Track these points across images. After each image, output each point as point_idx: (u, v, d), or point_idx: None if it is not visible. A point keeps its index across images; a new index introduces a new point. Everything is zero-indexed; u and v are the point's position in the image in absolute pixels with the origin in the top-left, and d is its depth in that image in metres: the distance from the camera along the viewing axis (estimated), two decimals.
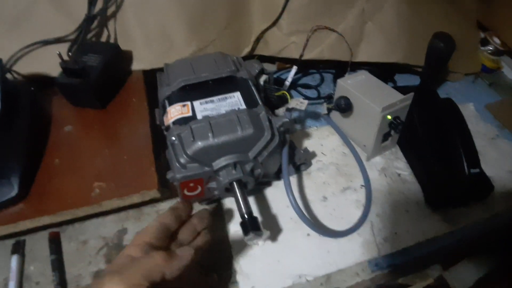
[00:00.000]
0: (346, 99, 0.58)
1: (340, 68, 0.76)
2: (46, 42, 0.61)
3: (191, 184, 0.46)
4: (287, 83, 0.69)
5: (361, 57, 0.71)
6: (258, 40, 0.71)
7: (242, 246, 0.50)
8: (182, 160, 0.44)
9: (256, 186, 0.51)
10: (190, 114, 0.47)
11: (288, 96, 0.57)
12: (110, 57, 0.58)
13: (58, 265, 0.47)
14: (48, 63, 0.60)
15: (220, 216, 0.53)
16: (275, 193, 0.56)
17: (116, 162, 0.51)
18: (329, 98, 0.72)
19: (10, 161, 0.49)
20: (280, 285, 0.47)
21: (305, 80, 0.78)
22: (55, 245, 0.50)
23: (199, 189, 0.47)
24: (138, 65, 0.64)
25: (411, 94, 0.57)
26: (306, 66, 0.76)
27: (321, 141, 0.65)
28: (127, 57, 0.64)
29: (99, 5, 0.60)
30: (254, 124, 0.46)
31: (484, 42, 0.82)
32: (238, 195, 0.46)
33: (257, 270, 0.48)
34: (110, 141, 0.54)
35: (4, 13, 0.59)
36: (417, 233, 0.53)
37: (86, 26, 0.61)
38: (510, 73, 0.83)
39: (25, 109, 0.54)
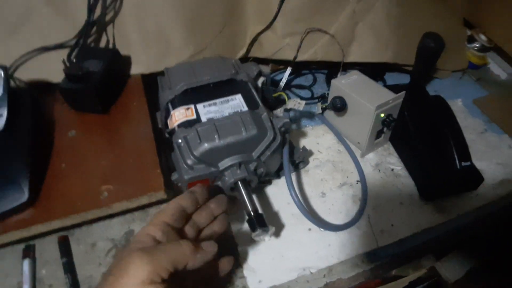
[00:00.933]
0: (341, 98, 0.60)
1: (332, 69, 0.78)
2: (46, 49, 0.62)
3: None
4: (282, 84, 0.71)
5: (352, 57, 0.74)
6: (252, 42, 0.73)
7: (247, 242, 0.52)
8: (189, 162, 0.46)
9: (257, 185, 0.53)
10: (194, 117, 0.49)
11: (286, 97, 0.59)
12: (110, 62, 0.60)
13: (70, 267, 0.49)
14: (49, 69, 0.62)
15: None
16: (276, 191, 0.58)
17: (121, 165, 0.52)
18: (322, 98, 0.74)
19: (18, 167, 0.50)
20: (286, 278, 0.49)
21: (298, 80, 0.80)
22: (65, 248, 0.51)
23: None
24: (136, 69, 0.65)
25: (403, 93, 0.59)
26: (299, 67, 0.78)
27: (317, 139, 0.67)
28: (126, 61, 0.65)
29: (98, 11, 0.62)
30: (257, 125, 0.48)
31: (471, 39, 0.85)
32: (244, 193, 0.48)
33: (263, 265, 0.50)
34: (114, 145, 0.56)
35: (2, 19, 0.60)
36: (412, 224, 0.55)
37: (86, 32, 0.62)
38: (496, 69, 0.87)
39: (28, 115, 0.55)
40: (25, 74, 0.62)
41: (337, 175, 0.62)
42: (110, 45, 0.64)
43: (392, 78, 0.81)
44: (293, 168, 0.60)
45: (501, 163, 0.65)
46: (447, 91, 0.79)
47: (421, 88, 0.69)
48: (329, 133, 0.68)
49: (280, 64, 0.79)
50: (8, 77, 0.54)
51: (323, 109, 0.66)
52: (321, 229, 0.54)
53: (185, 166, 0.46)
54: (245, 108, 0.51)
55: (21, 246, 0.51)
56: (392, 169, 0.63)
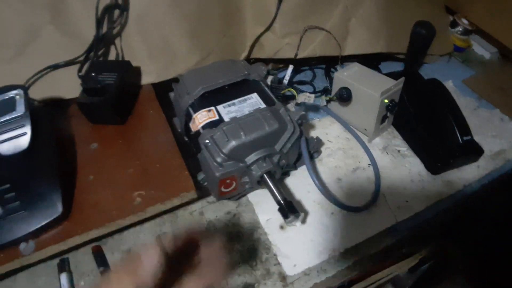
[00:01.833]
0: (347, 89, 0.64)
1: (329, 63, 0.82)
2: (56, 66, 0.63)
3: (228, 181, 0.51)
4: (285, 81, 0.74)
5: (348, 50, 0.78)
6: (254, 44, 0.76)
7: (276, 231, 0.55)
8: (219, 159, 0.49)
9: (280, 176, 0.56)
10: (217, 117, 0.52)
11: (295, 92, 0.63)
12: (124, 74, 0.62)
13: None
14: (60, 86, 0.64)
15: (250, 209, 0.58)
16: (295, 182, 0.62)
17: (149, 171, 0.55)
18: (325, 91, 0.78)
19: (48, 182, 0.51)
20: (318, 260, 0.52)
21: (298, 77, 0.84)
22: (101, 257, 0.53)
23: (234, 184, 0.52)
24: (146, 79, 0.68)
25: (403, 78, 0.64)
26: (298, 64, 0.82)
27: (325, 130, 0.71)
28: (137, 72, 0.67)
29: (104, 26, 0.64)
30: (277, 119, 0.51)
31: (453, 24, 0.91)
32: (271, 185, 0.51)
33: (295, 251, 0.53)
34: (138, 153, 0.58)
35: (11, 38, 0.62)
36: (424, 199, 0.60)
37: (96, 46, 0.64)
38: (480, 49, 0.93)
39: (49, 132, 0.56)
40: (37, 93, 0.63)
41: (349, 161, 0.65)
42: (119, 58, 0.67)
43: (387, 67, 0.86)
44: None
45: (495, 135, 0.70)
46: (438, 74, 0.83)
47: (416, 73, 0.74)
48: (336, 123, 0.72)
49: (279, 63, 0.83)
50: (28, 96, 0.55)
51: (328, 101, 0.69)
52: (343, 212, 0.57)
53: (215, 164, 0.49)
54: (263, 105, 0.54)
55: (55, 261, 0.52)
56: (399, 150, 0.67)
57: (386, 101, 0.63)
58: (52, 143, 0.55)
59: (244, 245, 0.54)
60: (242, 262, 0.52)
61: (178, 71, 0.65)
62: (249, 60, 0.78)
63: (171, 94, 0.63)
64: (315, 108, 0.75)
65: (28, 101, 0.55)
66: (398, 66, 0.85)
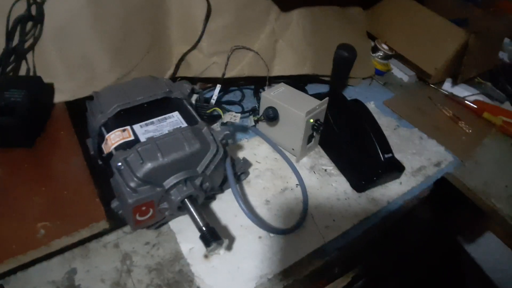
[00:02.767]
0: (273, 109, 0.63)
1: (258, 84, 0.82)
2: None
3: (143, 208, 0.46)
4: (213, 101, 0.72)
5: (276, 71, 0.78)
6: (179, 62, 0.73)
7: (200, 261, 0.51)
8: (132, 184, 0.44)
9: (203, 200, 0.52)
10: (132, 137, 0.48)
11: (221, 112, 0.61)
12: (34, 91, 0.55)
13: None
14: None
15: (172, 238, 0.54)
16: (221, 206, 0.59)
17: (56, 199, 0.48)
18: (253, 111, 0.77)
19: None
20: None
21: (227, 97, 0.82)
22: None
23: (151, 212, 0.47)
24: (60, 97, 0.61)
25: (327, 99, 0.65)
26: (227, 84, 0.81)
27: (253, 151, 0.70)
28: (50, 89, 0.61)
29: (15, 39, 0.58)
30: (199, 139, 0.48)
31: (375, 49, 0.96)
32: (192, 210, 0.47)
33: (220, 281, 0.49)
34: (46, 179, 0.51)
35: None
36: (350, 217, 0.60)
37: (5, 61, 0.57)
38: (399, 73, 0.99)
39: None
40: None
41: (277, 182, 0.64)
42: (31, 73, 0.60)
43: (313, 88, 0.87)
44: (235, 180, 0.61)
45: (415, 153, 0.73)
46: (361, 96, 0.87)
47: (340, 94, 0.76)
48: (264, 143, 0.71)
49: (208, 82, 0.81)
50: None
51: (256, 121, 0.68)
52: (271, 235, 0.55)
53: (128, 189, 0.44)
54: (185, 124, 0.51)
55: None
56: (325, 170, 0.68)
57: (311, 120, 0.63)
58: None
59: (164, 279, 0.49)
60: None
61: (96, 87, 0.59)
62: (175, 79, 0.75)
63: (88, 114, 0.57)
64: (243, 129, 0.73)
65: None
66: (323, 88, 0.88)
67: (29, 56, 0.60)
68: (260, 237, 0.55)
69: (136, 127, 0.49)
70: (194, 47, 0.71)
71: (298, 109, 0.61)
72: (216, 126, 0.60)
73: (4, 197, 0.48)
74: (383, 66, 0.96)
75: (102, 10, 0.61)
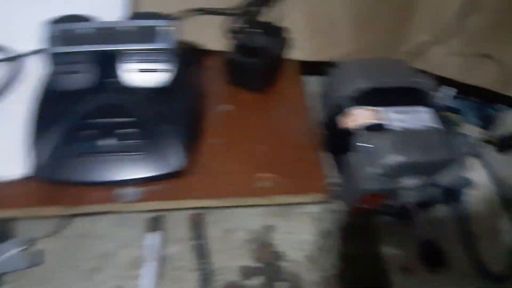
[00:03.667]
0: None
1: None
2: (208, 12, 0.58)
3: (369, 197, 0.43)
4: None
5: None
6: (413, 51, 0.66)
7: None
8: (373, 170, 0.41)
9: None
10: (382, 122, 0.44)
11: (458, 120, 0.52)
12: (277, 40, 0.56)
13: (203, 253, 0.45)
14: (204, 33, 0.58)
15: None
16: None
17: (281, 155, 0.48)
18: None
19: (177, 132, 0.45)
20: None
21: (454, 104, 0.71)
22: (200, 230, 0.47)
23: (375, 203, 0.44)
24: (297, 54, 0.61)
25: None
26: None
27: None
28: (290, 43, 0.61)
29: None
30: (449, 148, 0.42)
31: None
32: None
33: None
34: (272, 130, 0.52)
35: None
36: None
37: (257, 4, 0.58)
38: None
39: (189, 77, 0.51)
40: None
41: None
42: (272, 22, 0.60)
43: None
44: None
45: None
46: None
47: None
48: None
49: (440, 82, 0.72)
50: (181, 33, 0.50)
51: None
52: None
53: (366, 174, 0.41)
54: (436, 125, 0.45)
55: (146, 215, 0.47)
56: None
57: None
58: (190, 90, 0.50)
59: None
60: None
61: (333, 55, 0.58)
62: None
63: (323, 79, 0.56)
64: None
65: (177, 36, 0.49)
66: None
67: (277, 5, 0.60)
68: None
69: (387, 111, 0.45)
70: (438, 41, 0.63)
71: None
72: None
73: (231, 135, 0.50)
74: None
75: None
